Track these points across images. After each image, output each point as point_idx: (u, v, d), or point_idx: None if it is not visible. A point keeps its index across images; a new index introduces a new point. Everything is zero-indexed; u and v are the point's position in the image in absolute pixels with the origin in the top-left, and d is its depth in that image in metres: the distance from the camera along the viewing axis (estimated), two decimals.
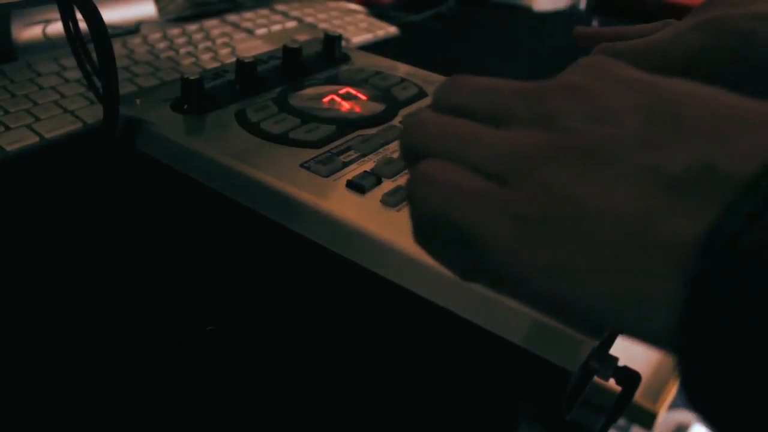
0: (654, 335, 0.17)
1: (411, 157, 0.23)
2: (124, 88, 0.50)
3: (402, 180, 0.35)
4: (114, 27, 0.65)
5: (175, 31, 0.63)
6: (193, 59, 0.58)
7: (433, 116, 0.23)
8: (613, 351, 0.31)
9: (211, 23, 0.66)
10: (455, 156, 0.22)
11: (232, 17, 0.68)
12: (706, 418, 0.16)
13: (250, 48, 0.62)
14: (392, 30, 0.72)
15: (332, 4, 0.78)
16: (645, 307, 0.16)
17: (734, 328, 0.15)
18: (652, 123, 0.18)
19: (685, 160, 0.17)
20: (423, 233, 0.22)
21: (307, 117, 0.40)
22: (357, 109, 0.42)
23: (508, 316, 0.28)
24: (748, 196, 0.15)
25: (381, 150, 0.38)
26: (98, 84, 0.40)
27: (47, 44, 0.60)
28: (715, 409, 0.16)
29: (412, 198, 0.21)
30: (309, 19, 0.72)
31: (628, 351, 0.32)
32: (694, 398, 0.16)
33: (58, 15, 0.40)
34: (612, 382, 0.30)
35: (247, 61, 0.44)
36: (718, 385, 0.15)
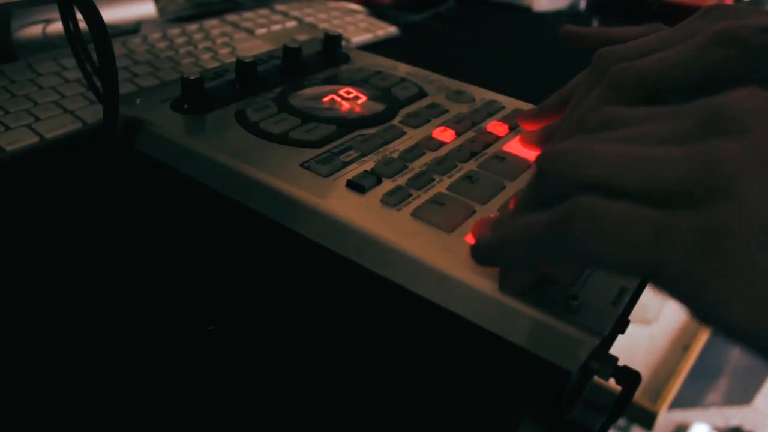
0: None
1: (558, 188, 0.22)
2: (124, 88, 0.50)
3: (402, 180, 0.35)
4: (114, 27, 0.65)
5: (175, 31, 0.63)
6: (193, 59, 0.58)
7: (580, 143, 0.22)
8: (613, 351, 0.30)
9: (211, 23, 0.66)
10: (614, 183, 0.20)
11: (232, 17, 0.68)
12: None
13: (250, 48, 0.62)
14: (392, 30, 0.72)
15: (332, 4, 0.78)
16: None
17: None
18: None
19: None
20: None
21: (307, 117, 0.40)
22: (357, 108, 0.42)
23: (508, 316, 0.28)
24: None
25: (381, 150, 0.38)
26: (98, 84, 0.40)
27: (47, 44, 0.60)
28: None
29: (575, 239, 0.20)
30: (309, 19, 0.72)
31: (628, 351, 0.32)
32: None
33: (58, 15, 0.40)
34: (612, 382, 0.30)
35: (247, 61, 0.44)
36: None
